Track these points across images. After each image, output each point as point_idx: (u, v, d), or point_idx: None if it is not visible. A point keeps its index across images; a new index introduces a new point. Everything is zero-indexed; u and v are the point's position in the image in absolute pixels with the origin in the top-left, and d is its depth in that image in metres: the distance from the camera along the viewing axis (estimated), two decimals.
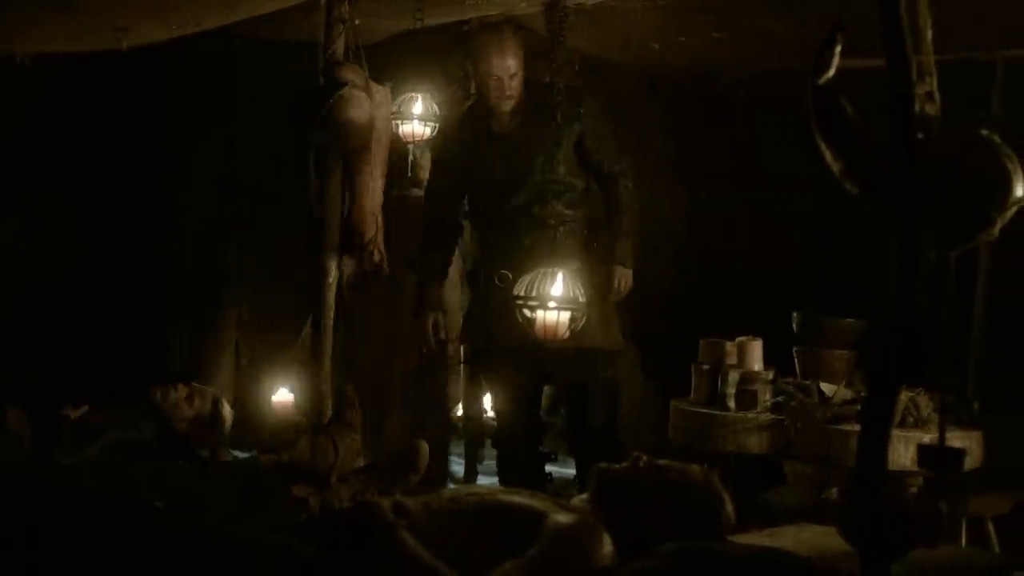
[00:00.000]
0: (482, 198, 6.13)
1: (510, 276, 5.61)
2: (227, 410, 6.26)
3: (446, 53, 6.71)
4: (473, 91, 6.19)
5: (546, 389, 7.26)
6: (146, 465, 5.77)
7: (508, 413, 6.41)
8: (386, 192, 5.51)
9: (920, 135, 3.20)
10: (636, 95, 7.79)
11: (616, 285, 6.10)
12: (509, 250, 5.93)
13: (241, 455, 6.28)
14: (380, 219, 5.42)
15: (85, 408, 6.26)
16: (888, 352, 3.19)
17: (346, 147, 5.33)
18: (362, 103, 5.29)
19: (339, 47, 5.45)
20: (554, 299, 4.14)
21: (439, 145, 6.39)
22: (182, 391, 6.26)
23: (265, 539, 3.59)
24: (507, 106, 5.95)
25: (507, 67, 5.87)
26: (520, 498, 3.73)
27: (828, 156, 3.56)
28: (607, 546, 3.49)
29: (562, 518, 3.56)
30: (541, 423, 6.89)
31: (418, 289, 6.28)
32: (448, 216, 6.24)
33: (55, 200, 7.02)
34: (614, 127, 6.25)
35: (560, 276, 4.12)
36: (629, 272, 6.17)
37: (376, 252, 5.40)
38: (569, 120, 5.87)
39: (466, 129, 6.17)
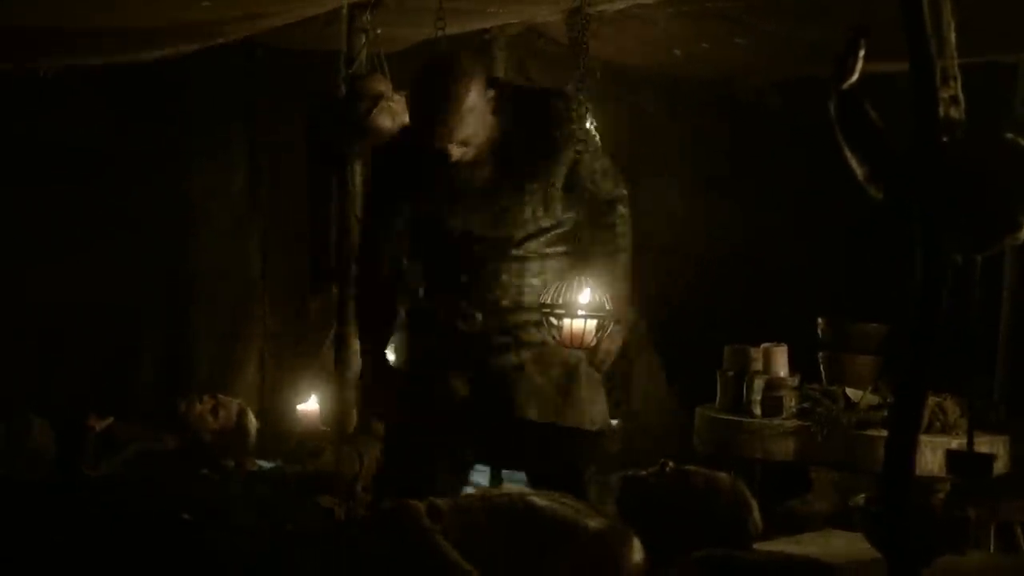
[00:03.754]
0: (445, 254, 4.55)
1: (479, 317, 4.46)
2: (252, 421, 6.25)
3: None
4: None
5: None
6: (171, 476, 5.77)
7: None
8: None
9: (945, 139, 3.18)
10: (659, 102, 7.78)
11: (606, 348, 4.54)
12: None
13: (267, 465, 6.26)
14: None
15: (110, 419, 6.27)
16: (914, 357, 3.17)
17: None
18: (394, 114, 5.34)
19: (362, 57, 5.47)
20: (581, 307, 4.11)
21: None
22: (207, 402, 6.26)
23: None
24: (457, 154, 4.34)
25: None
26: (551, 502, 3.72)
27: (852, 161, 3.56)
28: (638, 552, 3.48)
29: (594, 523, 3.55)
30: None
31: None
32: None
33: (79, 210, 7.02)
34: (638, 136, 6.16)
35: (588, 283, 4.10)
36: (621, 331, 4.63)
37: None
38: (566, 137, 4.46)
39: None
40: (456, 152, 4.27)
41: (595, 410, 4.54)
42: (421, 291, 4.55)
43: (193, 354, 7.51)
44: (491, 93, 4.31)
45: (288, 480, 5.79)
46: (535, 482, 4.42)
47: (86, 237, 7.06)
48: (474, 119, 4.25)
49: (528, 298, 4.40)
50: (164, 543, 3.81)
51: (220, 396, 6.39)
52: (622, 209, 4.68)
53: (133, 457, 6.19)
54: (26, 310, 6.92)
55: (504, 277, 4.41)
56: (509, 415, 4.37)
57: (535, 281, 4.42)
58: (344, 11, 5.44)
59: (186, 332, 7.53)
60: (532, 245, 4.43)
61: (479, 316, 4.42)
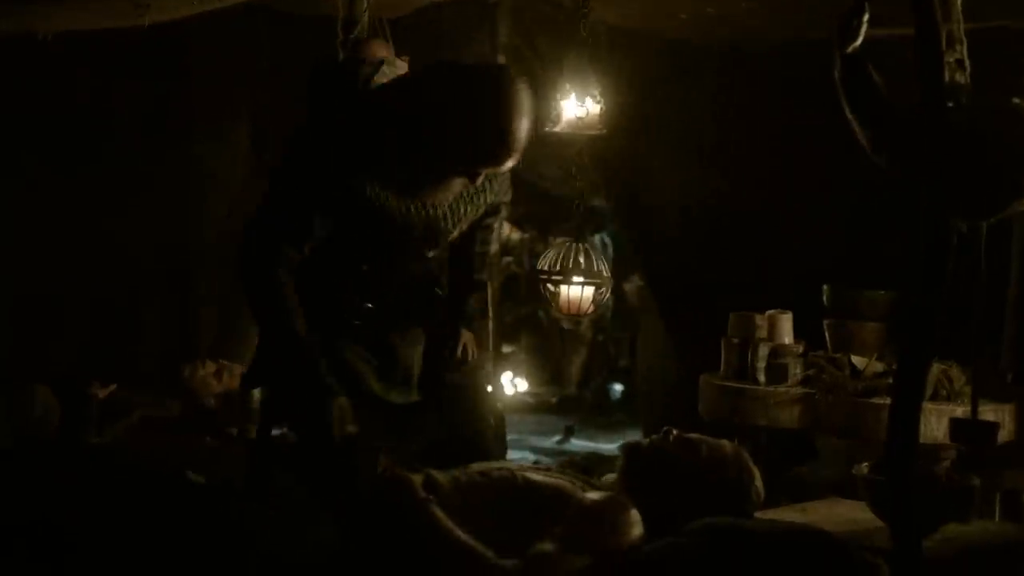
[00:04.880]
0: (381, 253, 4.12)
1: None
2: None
3: (471, 27, 6.67)
4: None
5: None
6: (174, 442, 5.77)
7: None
8: None
9: (950, 104, 3.14)
10: (664, 68, 7.72)
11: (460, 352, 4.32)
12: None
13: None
14: None
15: (113, 387, 6.25)
16: (919, 324, 3.15)
17: None
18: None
19: (364, 21, 5.42)
20: (578, 274, 4.09)
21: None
22: (210, 367, 6.25)
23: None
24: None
25: None
26: (549, 476, 3.72)
27: (856, 126, 3.53)
28: (636, 524, 3.47)
29: (590, 496, 3.54)
30: None
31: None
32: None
33: (80, 176, 7.00)
34: (645, 102, 6.07)
35: (585, 250, 4.08)
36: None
37: None
38: None
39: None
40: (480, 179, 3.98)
41: None
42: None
43: (196, 320, 7.51)
44: None
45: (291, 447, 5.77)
46: None
47: (89, 204, 7.04)
48: None
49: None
50: (168, 509, 3.79)
51: (223, 361, 6.38)
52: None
53: (137, 424, 6.18)
54: (28, 278, 6.91)
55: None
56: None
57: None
58: None
59: (189, 298, 7.52)
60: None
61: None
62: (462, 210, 4.04)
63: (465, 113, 3.70)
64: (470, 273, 4.27)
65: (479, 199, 4.08)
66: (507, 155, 3.76)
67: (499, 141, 3.72)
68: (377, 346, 4.02)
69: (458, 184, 3.96)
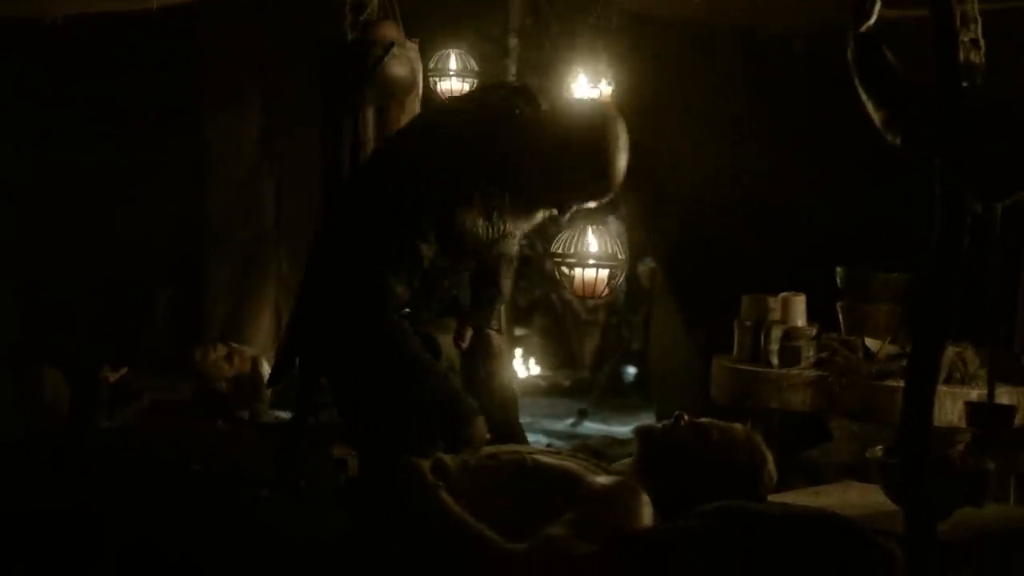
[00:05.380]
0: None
1: None
2: (266, 370, 6.22)
3: (483, 8, 6.65)
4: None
5: None
6: (185, 426, 5.76)
7: None
8: None
9: (965, 83, 3.11)
10: (679, 49, 7.69)
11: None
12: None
13: (281, 415, 6.24)
14: None
15: (124, 370, 6.24)
16: (933, 306, 3.11)
17: (388, 104, 5.32)
18: (408, 61, 5.29)
19: (374, 3, 5.40)
20: (592, 256, 4.05)
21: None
22: (221, 351, 6.23)
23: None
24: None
25: None
26: (559, 460, 3.69)
27: (870, 106, 3.50)
28: (646, 508, 3.44)
29: (600, 480, 3.52)
30: None
31: None
32: None
33: (90, 160, 6.99)
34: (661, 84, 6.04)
35: (599, 232, 4.04)
36: None
37: None
38: None
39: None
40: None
41: None
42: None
43: (207, 304, 7.50)
44: None
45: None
46: None
47: (99, 188, 7.04)
48: None
49: None
50: (174, 495, 3.78)
51: (234, 345, 6.37)
52: None
53: (147, 408, 6.17)
54: (39, 262, 6.91)
55: None
56: None
57: None
58: None
59: (200, 282, 7.52)
60: None
61: None
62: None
63: (576, 154, 3.76)
64: (496, 281, 4.25)
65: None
66: (610, 191, 3.87)
67: (606, 179, 3.82)
68: (423, 339, 3.97)
69: (541, 214, 4.01)
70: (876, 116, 3.47)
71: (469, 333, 4.18)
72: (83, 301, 7.10)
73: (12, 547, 3.89)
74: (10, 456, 4.92)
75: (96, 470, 4.45)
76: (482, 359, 4.19)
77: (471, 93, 4.52)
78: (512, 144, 3.82)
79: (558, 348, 12.02)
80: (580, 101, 4.13)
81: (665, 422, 3.79)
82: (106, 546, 3.72)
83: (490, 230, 3.91)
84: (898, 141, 3.43)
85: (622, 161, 3.83)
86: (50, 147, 6.92)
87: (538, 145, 3.79)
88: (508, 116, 3.86)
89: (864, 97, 3.51)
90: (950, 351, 5.33)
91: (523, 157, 3.80)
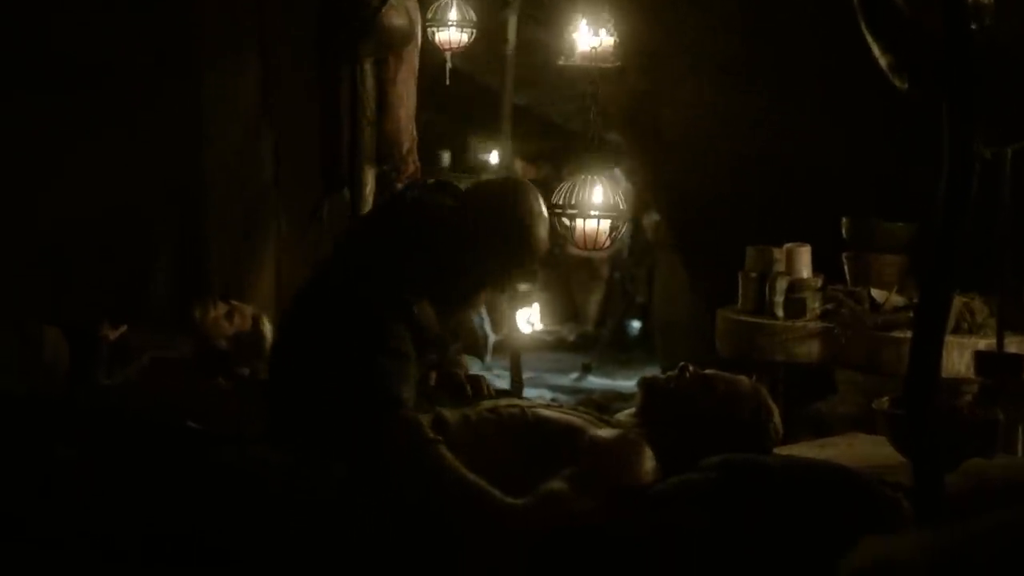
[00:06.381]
0: None
1: None
2: (267, 327, 6.17)
3: None
4: None
5: None
6: (185, 384, 5.72)
7: None
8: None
9: (973, 25, 3.03)
10: None
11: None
12: None
13: None
14: (414, 129, 5.32)
15: (124, 328, 6.19)
16: (940, 255, 3.06)
17: (386, 55, 5.26)
18: (406, 11, 5.22)
19: None
20: (594, 207, 4.00)
21: None
22: (221, 308, 6.17)
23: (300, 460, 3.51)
24: None
25: None
26: (561, 413, 3.65)
27: (876, 50, 3.42)
28: (649, 461, 3.41)
29: (602, 434, 3.48)
30: None
31: None
32: None
33: (88, 111, 6.93)
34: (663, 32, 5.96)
35: (601, 183, 3.99)
36: None
37: (411, 163, 5.30)
38: None
39: None
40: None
41: None
42: None
43: (207, 261, 7.45)
44: None
45: None
46: None
47: (96, 145, 6.97)
48: None
49: None
50: (171, 455, 3.73)
51: (235, 302, 6.31)
52: None
53: (148, 365, 6.13)
54: (37, 220, 6.85)
55: None
56: None
57: None
58: None
59: (199, 239, 7.46)
60: None
61: None
62: None
63: (500, 236, 3.77)
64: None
65: None
66: (535, 260, 3.90)
67: (531, 251, 3.83)
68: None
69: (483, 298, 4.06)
70: (882, 60, 3.40)
71: (434, 374, 4.10)
72: (81, 260, 7.05)
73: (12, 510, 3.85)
74: (10, 415, 4.88)
75: (95, 428, 4.40)
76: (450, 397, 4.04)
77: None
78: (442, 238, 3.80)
79: (562, 303, 12.00)
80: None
81: (670, 373, 3.75)
82: (106, 509, 3.67)
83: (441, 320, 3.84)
84: (905, 85, 3.36)
85: (543, 230, 3.82)
86: (46, 99, 6.85)
87: (461, 234, 3.77)
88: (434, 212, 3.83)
89: (870, 40, 3.43)
90: (958, 300, 5.27)
91: (451, 251, 3.77)
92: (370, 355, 3.56)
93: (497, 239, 3.79)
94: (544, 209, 3.83)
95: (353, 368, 3.57)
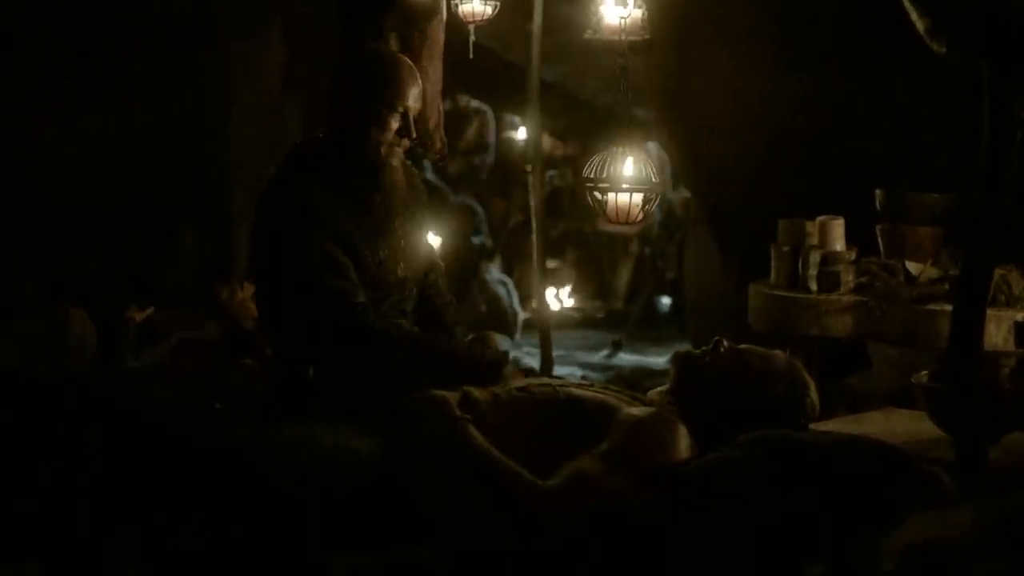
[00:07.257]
0: None
1: None
2: None
3: None
4: None
5: None
6: (213, 365, 5.71)
7: None
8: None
9: None
10: None
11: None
12: None
13: None
14: (440, 105, 5.26)
15: (150, 310, 6.19)
16: (980, 225, 2.99)
17: (411, 31, 5.20)
18: None
19: None
20: (626, 180, 3.92)
21: None
22: (248, 289, 6.16)
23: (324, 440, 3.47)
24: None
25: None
26: (593, 392, 3.60)
27: (913, 13, 3.33)
28: (683, 438, 3.36)
29: (635, 411, 3.43)
30: None
31: None
32: None
33: (114, 92, 6.92)
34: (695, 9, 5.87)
35: (633, 155, 3.91)
36: None
37: (439, 140, 5.23)
38: None
39: None
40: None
41: None
42: None
43: (233, 241, 7.44)
44: None
45: None
46: None
47: (121, 123, 6.97)
48: None
49: None
50: (196, 437, 3.69)
51: None
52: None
53: (175, 347, 6.12)
54: (63, 202, 6.86)
55: None
56: None
57: None
58: None
59: (225, 218, 7.46)
60: None
61: None
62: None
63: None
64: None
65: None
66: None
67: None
68: None
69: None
70: (920, 24, 3.31)
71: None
72: (107, 241, 7.05)
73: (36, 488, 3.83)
74: (38, 397, 4.86)
75: (122, 411, 4.37)
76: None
77: None
78: None
79: (591, 280, 11.97)
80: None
81: (704, 348, 3.69)
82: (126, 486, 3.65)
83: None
84: (943, 50, 3.27)
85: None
86: (72, 78, 6.85)
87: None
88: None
89: (907, 3, 3.35)
90: (995, 272, 5.18)
91: None
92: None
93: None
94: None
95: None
